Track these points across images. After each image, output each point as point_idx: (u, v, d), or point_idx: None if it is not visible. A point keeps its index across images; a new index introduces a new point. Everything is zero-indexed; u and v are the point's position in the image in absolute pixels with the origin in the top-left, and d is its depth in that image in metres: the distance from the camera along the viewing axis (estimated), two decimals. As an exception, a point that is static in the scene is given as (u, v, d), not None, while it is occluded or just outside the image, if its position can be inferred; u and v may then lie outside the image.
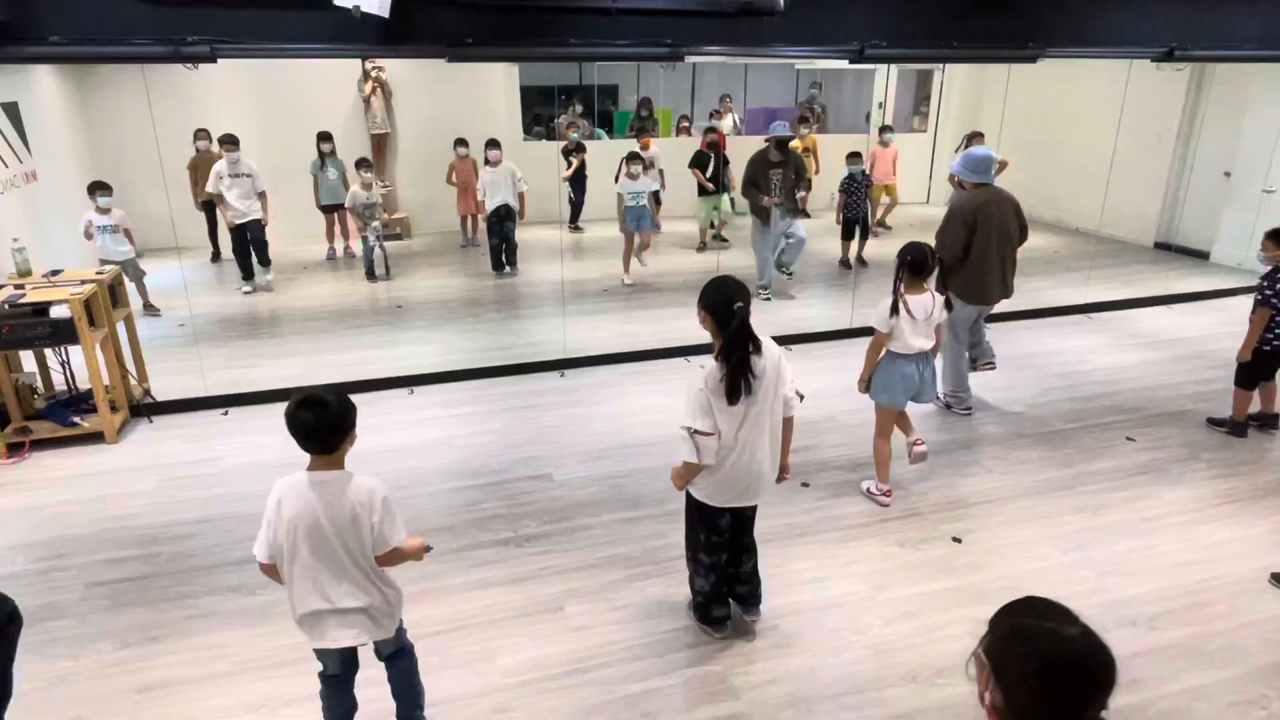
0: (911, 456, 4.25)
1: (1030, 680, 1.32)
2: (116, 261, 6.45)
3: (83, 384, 5.19)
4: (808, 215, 7.99)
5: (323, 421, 2.30)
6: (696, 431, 2.83)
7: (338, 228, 9.35)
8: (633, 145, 10.17)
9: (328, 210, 9.20)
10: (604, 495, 4.34)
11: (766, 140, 7.59)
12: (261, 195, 7.90)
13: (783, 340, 6.65)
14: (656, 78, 13.15)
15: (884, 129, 10.16)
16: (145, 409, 5.33)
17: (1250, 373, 4.87)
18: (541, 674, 3.08)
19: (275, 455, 4.80)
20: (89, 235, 6.76)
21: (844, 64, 8.00)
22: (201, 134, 8.45)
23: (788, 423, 3.07)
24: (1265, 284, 4.69)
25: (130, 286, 6.79)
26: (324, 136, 8.92)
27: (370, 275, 8.47)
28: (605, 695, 2.98)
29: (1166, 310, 7.59)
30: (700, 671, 3.09)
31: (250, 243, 8.02)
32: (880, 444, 4.25)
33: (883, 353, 4.13)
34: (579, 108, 11.88)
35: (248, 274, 8.11)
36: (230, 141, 7.72)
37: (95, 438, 4.96)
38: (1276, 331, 4.71)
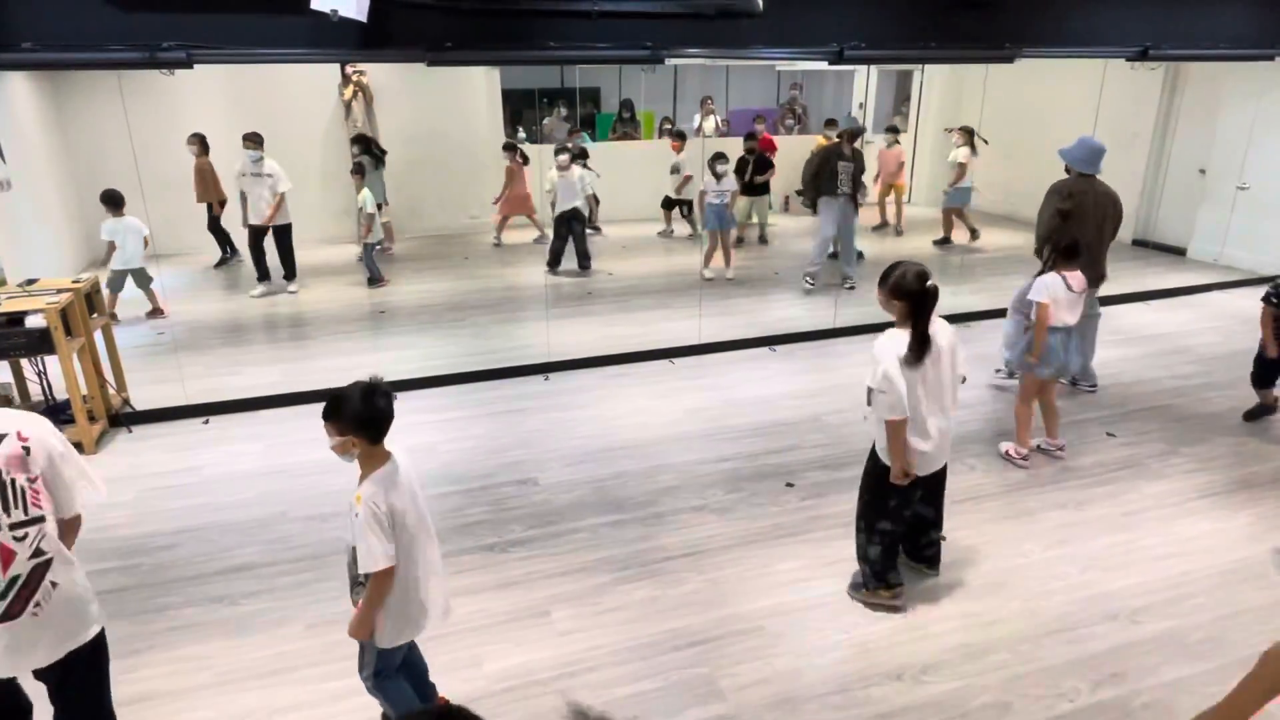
0: (1055, 451, 4.73)
1: None
2: (134, 269, 6.89)
3: (60, 394, 5.12)
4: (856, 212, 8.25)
5: (393, 406, 2.44)
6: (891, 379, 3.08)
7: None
8: (622, 146, 10.26)
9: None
10: (589, 499, 4.34)
11: (839, 135, 8.07)
12: (281, 196, 7.93)
13: (765, 340, 6.73)
14: (638, 80, 13.17)
15: (890, 129, 10.34)
16: (124, 419, 5.27)
17: (1264, 373, 5.05)
18: (528, 679, 3.07)
19: (257, 464, 4.77)
20: (113, 246, 6.87)
21: (824, 65, 8.07)
22: (195, 139, 8.47)
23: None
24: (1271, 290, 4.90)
25: (139, 293, 7.18)
26: (356, 139, 9.16)
27: (373, 281, 8.45)
28: (592, 699, 2.97)
29: (1144, 306, 7.68)
30: (687, 674, 3.09)
31: (277, 249, 8.15)
32: (1023, 408, 4.59)
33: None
34: (564, 111, 11.87)
35: (263, 274, 8.21)
36: (253, 140, 7.77)
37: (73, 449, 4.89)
38: None
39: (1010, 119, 10.22)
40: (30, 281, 5.22)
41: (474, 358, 6.35)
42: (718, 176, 8.23)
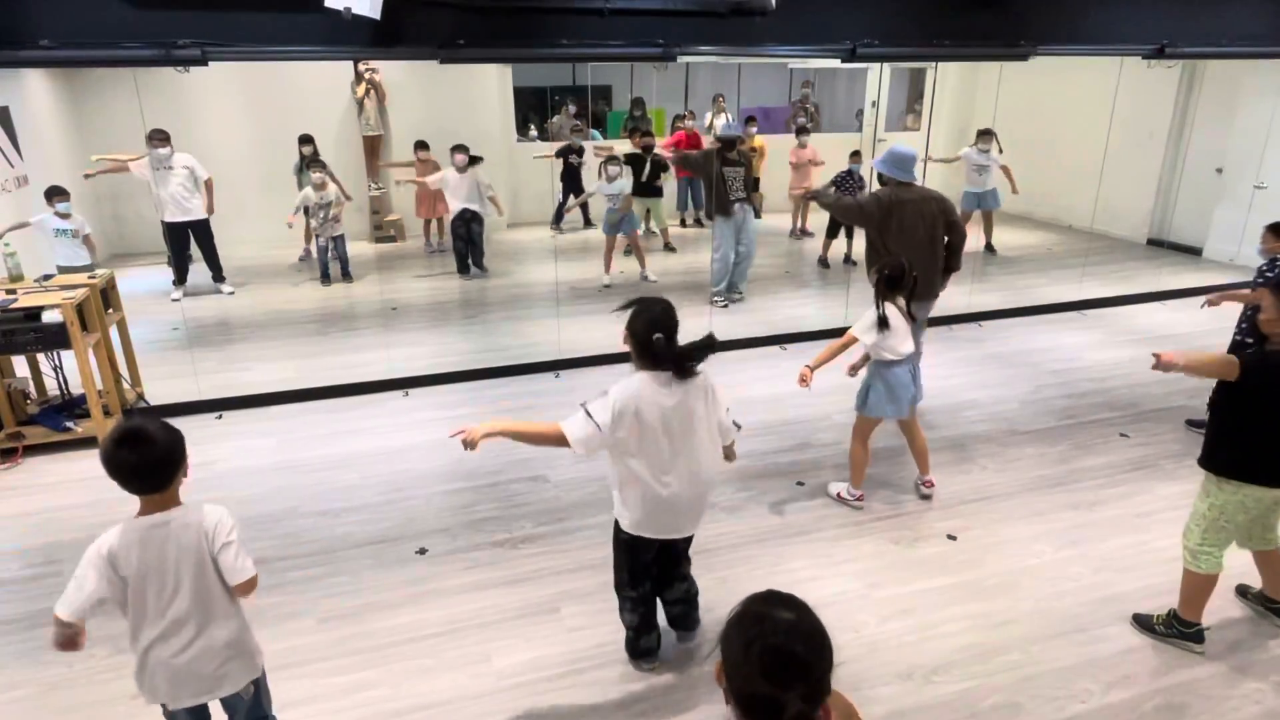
0: (920, 491, 4.30)
1: (740, 662, 1.32)
2: (76, 268, 6.12)
3: (76, 389, 5.17)
4: (759, 216, 7.69)
5: (146, 459, 2.01)
6: (590, 415, 2.74)
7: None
8: (629, 146, 10.20)
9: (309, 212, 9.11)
10: (599, 495, 4.34)
11: (715, 142, 7.60)
12: (206, 184, 7.60)
13: (776, 339, 6.71)
14: (650, 78, 13.14)
15: (800, 130, 9.92)
16: (139, 413, 5.32)
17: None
18: (537, 675, 3.08)
19: (269, 459, 4.80)
20: (43, 231, 6.33)
21: (836, 63, 8.00)
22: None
23: (727, 451, 3.02)
24: (1265, 267, 4.66)
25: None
26: (304, 140, 8.83)
27: (325, 279, 8.29)
28: (601, 696, 2.98)
29: (1159, 306, 7.61)
30: (697, 671, 3.09)
31: (194, 246, 7.74)
32: (858, 449, 4.17)
33: (859, 355, 4.10)
34: (572, 109, 11.86)
35: (180, 278, 7.78)
36: (159, 137, 7.38)
37: (89, 443, 4.93)
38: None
39: (1025, 118, 10.15)
40: (47, 277, 5.27)
41: (485, 355, 6.37)
42: (610, 179, 8.03)
